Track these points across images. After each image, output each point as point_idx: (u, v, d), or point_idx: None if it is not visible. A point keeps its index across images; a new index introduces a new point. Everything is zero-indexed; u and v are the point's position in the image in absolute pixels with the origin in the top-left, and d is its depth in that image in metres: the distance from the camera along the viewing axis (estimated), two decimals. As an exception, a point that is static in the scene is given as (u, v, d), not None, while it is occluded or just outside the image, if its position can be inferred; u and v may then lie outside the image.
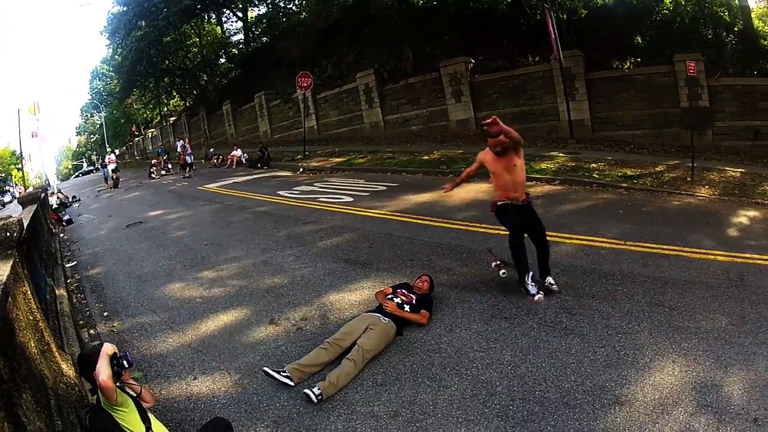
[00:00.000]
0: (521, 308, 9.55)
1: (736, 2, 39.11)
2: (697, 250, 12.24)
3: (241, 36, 73.40)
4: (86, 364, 5.98)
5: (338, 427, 6.71)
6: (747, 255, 11.88)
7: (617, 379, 7.27)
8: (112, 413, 5.64)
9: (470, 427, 6.51)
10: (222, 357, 8.79)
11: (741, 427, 6.23)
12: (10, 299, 5.25)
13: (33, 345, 5.75)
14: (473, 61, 36.82)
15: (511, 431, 6.39)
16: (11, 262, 6.15)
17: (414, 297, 9.39)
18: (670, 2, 40.31)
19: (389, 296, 9.28)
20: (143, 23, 60.56)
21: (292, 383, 7.56)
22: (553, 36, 28.59)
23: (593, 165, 23.57)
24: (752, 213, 16.75)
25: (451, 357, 8.08)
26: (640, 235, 13.41)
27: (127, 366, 5.98)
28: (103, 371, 5.57)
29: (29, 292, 6.56)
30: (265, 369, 7.76)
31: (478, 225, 15.01)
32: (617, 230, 14.02)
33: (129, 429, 5.66)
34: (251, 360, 8.53)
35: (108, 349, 5.89)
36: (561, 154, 26.25)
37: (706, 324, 8.70)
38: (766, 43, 38.04)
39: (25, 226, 8.80)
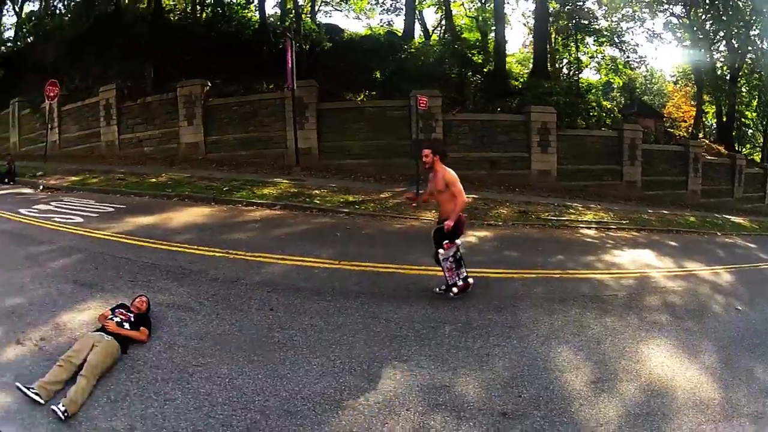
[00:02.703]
0: (234, 325, 9.62)
1: (492, 46, 41.33)
2: (417, 267, 12.76)
3: (13, 33, 65.69)
4: None
5: (86, 444, 6.57)
6: (473, 270, 12.22)
7: (336, 386, 7.37)
8: None
9: None
10: None
11: (487, 421, 6.57)
12: None
13: None
14: (209, 84, 36.33)
15: None
16: None
17: (132, 315, 9.28)
18: (420, 43, 41.80)
19: (109, 317, 9.09)
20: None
21: (41, 400, 7.26)
22: (290, 65, 28.55)
23: (316, 191, 23.94)
24: (483, 233, 17.93)
25: (173, 373, 7.99)
26: (356, 255, 13.84)
27: None
28: None
29: None
30: (17, 384, 7.49)
31: (196, 247, 14.92)
32: (333, 251, 14.34)
33: None
34: (8, 379, 7.96)
35: None
36: (285, 181, 26.48)
37: (428, 332, 9.08)
38: (516, 83, 40.45)
39: None
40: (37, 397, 7.14)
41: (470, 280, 11.08)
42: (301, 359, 8.12)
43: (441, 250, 10.59)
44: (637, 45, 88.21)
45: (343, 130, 32.74)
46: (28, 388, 7.23)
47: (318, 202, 21.69)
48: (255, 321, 9.66)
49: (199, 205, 21.24)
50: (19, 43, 61.03)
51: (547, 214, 22.99)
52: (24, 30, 61.30)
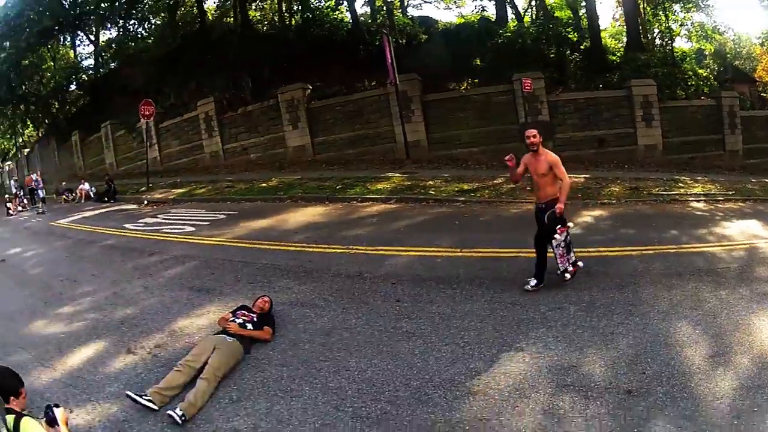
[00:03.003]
0: (360, 319, 9.76)
1: (585, 23, 40.84)
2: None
3: (92, 61, 67.72)
4: (5, 380, 5.82)
5: (205, 445, 6.66)
6: (592, 249, 12.62)
7: (466, 372, 7.48)
8: None
9: (327, 431, 6.58)
10: (90, 389, 8.51)
11: (614, 400, 6.62)
12: None
13: None
14: (311, 87, 37.01)
15: (367, 430, 6.48)
16: None
17: (254, 316, 9.52)
18: (514, 26, 41.49)
19: (230, 320, 9.31)
20: (7, 44, 55.42)
21: (155, 407, 7.44)
22: (390, 60, 28.77)
23: (430, 182, 24.10)
24: (597, 212, 17.95)
25: (299, 369, 8.16)
26: (476, 242, 13.96)
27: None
28: None
29: None
30: (128, 393, 7.65)
31: (314, 245, 15.22)
32: (453, 239, 14.44)
33: None
34: (116, 389, 8.30)
35: (65, 416, 5.84)
36: (397, 175, 26.75)
37: (553, 314, 9.19)
38: (614, 58, 40.05)
39: None
40: (150, 404, 7.35)
41: (579, 264, 11.01)
42: (431, 347, 8.27)
43: (556, 236, 10.49)
44: (721, 9, 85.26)
45: (449, 120, 32.78)
46: (141, 396, 7.43)
47: (433, 192, 21.89)
48: (382, 313, 9.86)
49: (314, 205, 21.70)
50: (102, 69, 62.98)
51: (657, 189, 22.71)
52: (105, 56, 63.48)
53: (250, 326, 9.11)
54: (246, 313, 9.50)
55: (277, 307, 10.24)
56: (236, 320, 9.16)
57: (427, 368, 7.70)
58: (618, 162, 30.52)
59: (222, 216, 21.90)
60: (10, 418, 5.43)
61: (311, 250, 14.84)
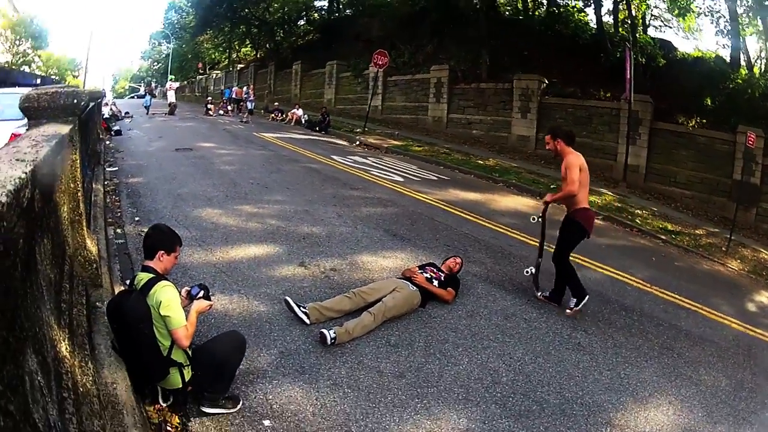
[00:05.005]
0: (541, 316, 9.89)
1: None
2: (715, 312, 12.48)
3: (325, 3, 73.54)
4: (165, 235, 6.10)
5: (342, 373, 6.96)
6: (760, 331, 12.16)
7: (615, 403, 7.52)
8: (155, 321, 5.60)
9: (468, 407, 6.76)
10: (244, 282, 9.12)
11: None
12: (60, 157, 5.04)
13: (66, 209, 5.65)
14: (546, 81, 36.54)
15: (506, 421, 6.61)
16: (71, 126, 6.19)
17: (442, 275, 9.77)
18: (746, 73, 39.97)
19: (418, 272, 9.57)
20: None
21: (308, 321, 7.87)
22: (628, 76, 27.96)
23: (638, 211, 23.57)
24: None
25: (466, 339, 8.40)
26: (666, 284, 13.64)
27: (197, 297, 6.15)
28: (192, 328, 5.73)
29: (77, 161, 6.63)
30: (287, 299, 8.06)
31: (518, 233, 15.38)
32: (647, 273, 14.16)
33: (159, 338, 5.66)
34: (273, 292, 8.83)
35: (205, 307, 6.09)
36: (609, 194, 26.26)
37: (708, 379, 9.02)
38: None
39: (88, 103, 8.88)
40: (305, 317, 7.76)
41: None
42: (593, 367, 8.33)
43: None
44: None
45: (671, 154, 31.51)
46: (299, 306, 7.79)
47: (639, 222, 21.55)
48: (562, 318, 9.96)
49: (525, 196, 22.01)
50: (337, 14, 66.67)
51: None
52: (340, 3, 67.23)
53: (435, 283, 9.44)
54: (434, 270, 9.79)
55: (466, 276, 10.65)
56: (424, 274, 9.48)
57: (583, 385, 7.76)
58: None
59: (433, 177, 22.59)
60: (143, 276, 5.77)
61: (513, 235, 15.20)
